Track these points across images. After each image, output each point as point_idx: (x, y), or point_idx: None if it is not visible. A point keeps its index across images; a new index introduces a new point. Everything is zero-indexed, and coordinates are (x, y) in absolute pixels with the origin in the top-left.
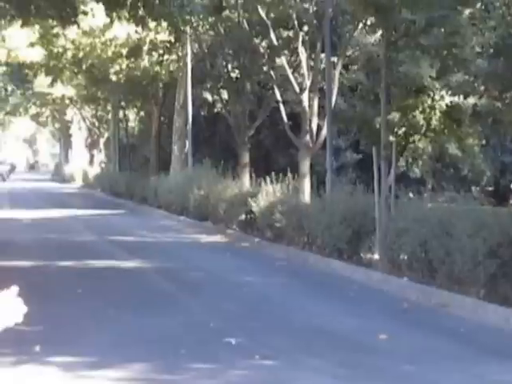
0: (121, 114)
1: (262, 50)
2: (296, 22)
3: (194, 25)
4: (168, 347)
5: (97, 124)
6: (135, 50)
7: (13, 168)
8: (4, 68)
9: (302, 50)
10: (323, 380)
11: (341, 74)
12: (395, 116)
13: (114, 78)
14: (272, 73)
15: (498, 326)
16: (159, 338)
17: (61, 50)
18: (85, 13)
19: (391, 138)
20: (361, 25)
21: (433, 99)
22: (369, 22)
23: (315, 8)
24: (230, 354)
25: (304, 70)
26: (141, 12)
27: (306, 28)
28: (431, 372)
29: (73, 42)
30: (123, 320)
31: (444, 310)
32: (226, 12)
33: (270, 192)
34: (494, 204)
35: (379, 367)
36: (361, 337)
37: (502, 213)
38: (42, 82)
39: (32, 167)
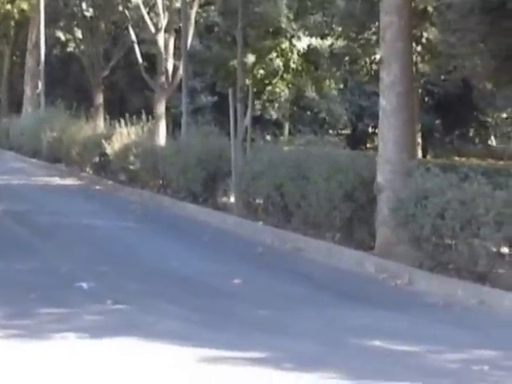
0: None
1: None
2: None
3: None
4: (18, 292)
5: None
6: None
7: None
8: None
9: None
10: (176, 324)
11: (197, 13)
12: (252, 58)
13: None
14: (127, 12)
15: (353, 271)
16: (9, 282)
17: None
18: None
19: (248, 81)
20: None
21: (290, 41)
22: None
23: None
24: (81, 299)
25: (160, 9)
26: None
27: None
28: (286, 317)
29: None
30: None
31: (299, 254)
32: None
33: (124, 134)
34: (351, 147)
35: (233, 312)
36: (215, 281)
37: (358, 156)
38: None
39: None
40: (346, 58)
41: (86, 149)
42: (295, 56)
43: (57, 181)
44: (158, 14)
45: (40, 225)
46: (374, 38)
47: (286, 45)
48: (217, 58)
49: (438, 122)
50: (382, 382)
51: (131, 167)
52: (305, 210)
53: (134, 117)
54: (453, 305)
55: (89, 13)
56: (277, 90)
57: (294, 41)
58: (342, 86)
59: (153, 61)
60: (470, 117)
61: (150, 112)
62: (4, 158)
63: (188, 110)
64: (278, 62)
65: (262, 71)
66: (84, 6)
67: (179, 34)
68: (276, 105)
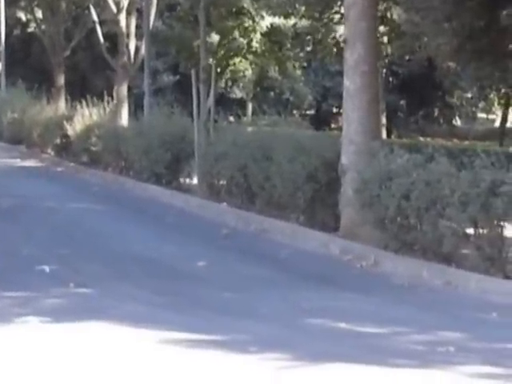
0: None
1: None
2: None
3: None
4: None
5: None
6: None
7: None
8: None
9: None
10: (139, 308)
11: None
12: (215, 38)
13: None
14: None
15: (317, 252)
16: None
17: None
18: None
19: (211, 61)
20: None
21: (253, 20)
22: None
23: None
24: (43, 282)
25: None
26: None
27: None
28: (250, 299)
29: None
30: None
31: (264, 235)
32: None
33: (86, 115)
34: (315, 128)
35: (197, 294)
36: (179, 264)
37: (321, 137)
38: None
39: None
40: (309, 38)
41: (47, 130)
42: (258, 36)
43: (18, 163)
44: None
45: (0, 207)
46: (338, 17)
47: (248, 24)
48: (179, 38)
49: (402, 102)
50: (346, 364)
51: (93, 149)
52: (269, 191)
53: (96, 98)
54: (418, 286)
55: None
56: (240, 68)
57: (257, 20)
58: (305, 66)
59: (115, 41)
60: (434, 97)
61: (112, 93)
62: None
63: (150, 91)
64: (241, 41)
65: (224, 51)
66: None
67: (141, 13)
68: (240, 84)
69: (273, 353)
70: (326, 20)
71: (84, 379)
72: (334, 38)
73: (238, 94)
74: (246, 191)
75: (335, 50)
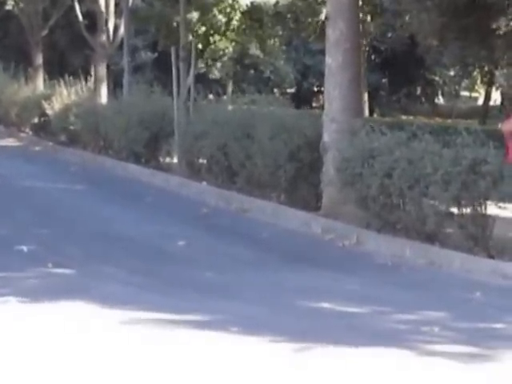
0: None
1: None
2: None
3: None
4: None
5: None
6: None
7: None
8: None
9: None
10: (118, 288)
11: None
12: (194, 15)
13: None
14: None
15: (299, 231)
16: None
17: None
18: None
19: (190, 38)
20: None
21: None
22: None
23: None
24: (21, 262)
25: None
26: None
27: None
28: (231, 279)
29: None
30: None
31: (245, 215)
32: None
33: (64, 94)
34: (296, 106)
35: (177, 275)
36: (159, 243)
37: (303, 115)
38: None
39: None
40: (289, 16)
41: (25, 109)
42: (238, 14)
43: None
44: None
45: None
46: None
47: (228, 2)
48: (159, 16)
49: (384, 80)
50: (329, 344)
51: (72, 128)
52: (249, 169)
53: (75, 76)
54: (401, 265)
55: None
56: (220, 46)
57: None
58: (286, 44)
59: (93, 19)
60: (417, 75)
61: (91, 71)
62: None
63: (130, 69)
64: (221, 19)
65: (204, 28)
66: None
67: None
68: (219, 64)
69: (255, 333)
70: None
71: (62, 360)
72: (316, 16)
73: (217, 74)
74: (227, 170)
75: (317, 28)
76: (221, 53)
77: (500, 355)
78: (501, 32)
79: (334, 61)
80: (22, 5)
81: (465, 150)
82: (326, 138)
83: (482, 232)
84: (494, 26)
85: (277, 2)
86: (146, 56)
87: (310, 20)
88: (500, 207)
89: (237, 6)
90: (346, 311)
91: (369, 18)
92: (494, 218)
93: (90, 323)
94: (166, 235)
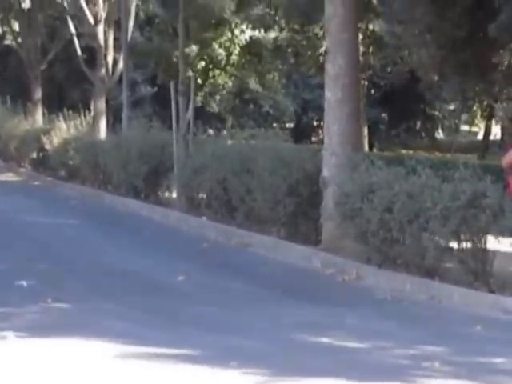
0: None
1: None
2: None
3: None
4: None
5: None
6: None
7: None
8: None
9: None
10: (117, 323)
11: (137, 5)
12: (194, 49)
13: None
14: (65, 4)
15: (299, 266)
16: None
17: None
18: None
19: (190, 73)
20: None
21: (232, 33)
22: None
23: None
24: (21, 297)
25: (99, 0)
26: None
27: None
28: (230, 314)
29: None
30: None
31: (244, 249)
32: None
33: (63, 129)
34: (296, 141)
35: (177, 309)
36: (158, 278)
37: (302, 150)
38: None
39: None
40: (290, 50)
41: (24, 144)
42: (237, 48)
43: None
44: (96, 6)
45: None
46: (320, 31)
47: (228, 36)
48: (158, 50)
49: (384, 114)
50: (327, 379)
51: (71, 162)
52: (249, 204)
53: (74, 111)
54: (402, 300)
55: (26, 5)
56: (219, 81)
57: (237, 32)
58: (285, 79)
59: (92, 53)
60: (416, 110)
61: (90, 105)
62: None
63: (128, 103)
64: (221, 52)
65: (203, 63)
66: None
67: (119, 26)
68: (218, 97)
69: (253, 367)
70: (308, 33)
71: None
72: (316, 50)
73: (215, 108)
74: (226, 204)
75: (317, 62)
76: (220, 87)
77: None
78: (503, 68)
79: (333, 95)
80: (20, 39)
81: (463, 184)
82: (325, 172)
83: (482, 266)
84: (495, 61)
85: (276, 37)
86: (145, 90)
87: (309, 53)
88: (499, 242)
89: (236, 41)
90: (346, 346)
91: (368, 52)
92: (495, 253)
93: (88, 358)
94: (165, 270)
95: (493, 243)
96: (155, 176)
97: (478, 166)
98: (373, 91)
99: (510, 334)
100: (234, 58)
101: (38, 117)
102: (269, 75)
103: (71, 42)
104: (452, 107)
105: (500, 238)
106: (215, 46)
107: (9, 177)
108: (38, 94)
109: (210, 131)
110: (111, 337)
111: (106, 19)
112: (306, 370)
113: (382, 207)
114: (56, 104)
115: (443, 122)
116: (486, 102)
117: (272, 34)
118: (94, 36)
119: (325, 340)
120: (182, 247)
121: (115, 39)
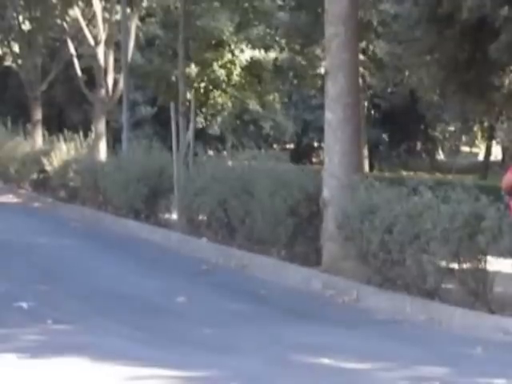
0: None
1: (54, 1)
2: None
3: None
4: None
5: None
6: None
7: None
8: None
9: (96, 0)
10: (119, 344)
11: (137, 27)
12: (194, 70)
13: None
14: (65, 25)
15: (299, 287)
16: None
17: None
18: None
19: (190, 94)
20: None
21: (233, 53)
22: None
23: None
24: (21, 319)
25: (99, 22)
26: None
27: None
28: (230, 335)
29: None
30: None
31: (245, 271)
32: None
33: (63, 150)
34: (296, 162)
35: (177, 330)
36: (159, 300)
37: (302, 171)
38: None
39: None
40: (291, 72)
41: (24, 165)
42: (238, 69)
43: None
44: (97, 27)
45: None
46: (320, 51)
47: (228, 57)
48: (158, 72)
49: (384, 135)
50: None
51: (71, 184)
52: (249, 225)
53: (74, 132)
54: (402, 321)
55: (26, 26)
56: (219, 101)
57: (237, 53)
58: (286, 99)
59: (92, 75)
60: (417, 130)
61: (90, 127)
62: None
63: (129, 124)
64: (221, 73)
65: (203, 84)
66: (21, 18)
67: (119, 47)
68: (219, 119)
69: None
70: (308, 54)
71: None
72: (316, 70)
73: (216, 130)
74: (227, 226)
75: (317, 83)
76: (220, 108)
77: None
78: (504, 91)
79: (333, 116)
80: (20, 60)
81: (461, 205)
82: (325, 193)
83: (483, 287)
84: (497, 83)
85: (276, 57)
86: (146, 111)
87: (310, 72)
88: (499, 263)
89: (237, 61)
90: (346, 367)
91: (368, 72)
92: (495, 274)
93: (88, 380)
94: (165, 291)
95: (493, 264)
96: (155, 197)
97: (478, 186)
98: (373, 112)
99: (510, 355)
100: (234, 78)
101: (38, 138)
102: (269, 96)
103: (71, 62)
104: (452, 128)
105: (500, 259)
106: (215, 66)
107: (9, 198)
108: (38, 115)
109: (210, 152)
110: (112, 358)
111: (106, 40)
112: None
113: (382, 228)
114: (56, 125)
115: (444, 142)
116: (486, 123)
117: (272, 54)
118: (94, 57)
119: (325, 361)
120: (182, 268)
121: (115, 60)
